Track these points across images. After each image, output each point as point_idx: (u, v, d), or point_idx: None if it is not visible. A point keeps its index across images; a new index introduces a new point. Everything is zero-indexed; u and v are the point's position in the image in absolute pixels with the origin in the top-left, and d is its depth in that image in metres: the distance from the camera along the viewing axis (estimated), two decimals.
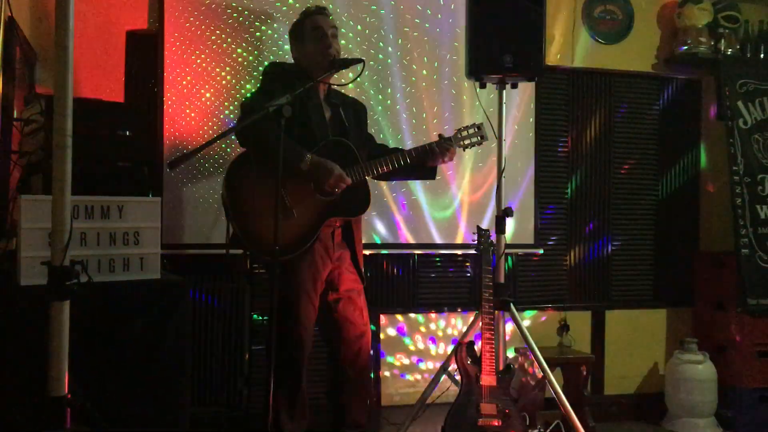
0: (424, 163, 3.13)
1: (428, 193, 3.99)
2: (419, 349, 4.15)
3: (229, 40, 3.64)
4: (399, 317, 4.12)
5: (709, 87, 4.67)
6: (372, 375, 3.29)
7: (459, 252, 4.13)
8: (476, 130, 3.20)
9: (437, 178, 3.36)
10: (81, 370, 1.93)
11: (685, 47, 4.45)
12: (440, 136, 3.15)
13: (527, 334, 3.17)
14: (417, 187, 3.95)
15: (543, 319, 4.37)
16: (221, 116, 3.61)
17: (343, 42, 3.41)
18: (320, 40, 3.00)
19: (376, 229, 3.89)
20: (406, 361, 4.13)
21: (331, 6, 3.62)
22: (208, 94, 3.60)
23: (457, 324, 4.21)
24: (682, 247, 4.66)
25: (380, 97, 3.90)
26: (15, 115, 2.81)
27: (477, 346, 3.11)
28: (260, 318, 3.68)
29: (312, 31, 3.02)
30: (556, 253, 4.43)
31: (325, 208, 2.93)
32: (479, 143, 3.23)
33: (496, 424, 2.98)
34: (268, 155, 2.68)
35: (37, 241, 2.18)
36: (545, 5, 3.19)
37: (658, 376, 4.53)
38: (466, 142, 3.19)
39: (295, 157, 2.80)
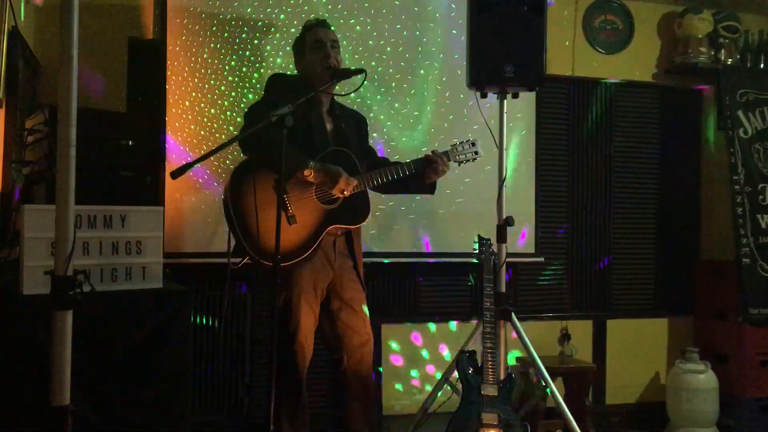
0: (421, 176, 3.14)
1: (429, 203, 3.98)
2: (420, 359, 4.14)
3: (229, 49, 3.65)
4: (400, 326, 4.12)
5: (709, 97, 4.68)
6: (373, 384, 3.28)
7: (460, 261, 4.13)
8: (470, 146, 3.23)
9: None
10: (83, 379, 1.93)
11: (686, 57, 4.46)
12: (433, 152, 3.17)
13: (529, 343, 3.17)
14: (418, 196, 3.94)
15: (544, 328, 4.36)
16: (223, 126, 3.62)
17: (345, 46, 3.41)
18: (320, 52, 3.01)
19: (376, 238, 3.89)
20: (408, 371, 4.12)
21: (329, 16, 3.62)
22: (209, 104, 3.61)
23: (458, 333, 4.20)
24: (683, 256, 4.66)
25: (380, 106, 3.91)
26: (18, 125, 2.82)
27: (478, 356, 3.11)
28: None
29: (312, 44, 3.04)
30: (557, 262, 4.43)
31: (327, 216, 2.94)
32: (474, 159, 3.25)
33: None
34: (271, 163, 2.69)
35: (40, 250, 2.18)
36: (546, 15, 3.20)
37: (660, 385, 4.52)
38: (461, 157, 3.22)
39: (299, 163, 2.82)
